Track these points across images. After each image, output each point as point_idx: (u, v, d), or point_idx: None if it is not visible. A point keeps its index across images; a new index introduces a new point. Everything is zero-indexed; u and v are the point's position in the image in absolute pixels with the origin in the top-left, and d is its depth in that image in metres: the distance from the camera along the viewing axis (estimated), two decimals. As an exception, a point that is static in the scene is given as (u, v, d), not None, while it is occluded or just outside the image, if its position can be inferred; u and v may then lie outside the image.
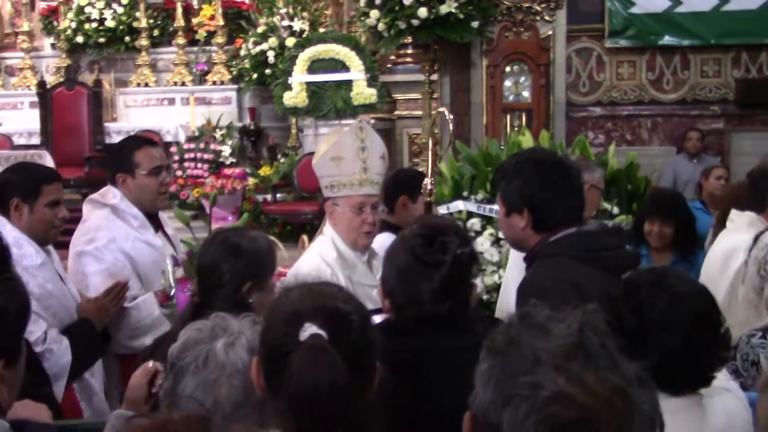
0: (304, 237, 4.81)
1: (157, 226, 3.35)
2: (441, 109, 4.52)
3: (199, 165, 9.10)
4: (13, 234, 2.81)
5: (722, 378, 1.82)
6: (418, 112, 7.77)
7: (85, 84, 9.65)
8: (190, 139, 9.30)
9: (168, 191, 3.38)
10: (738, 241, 3.01)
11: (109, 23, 9.97)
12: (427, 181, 3.78)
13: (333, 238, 2.89)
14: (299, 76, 8.07)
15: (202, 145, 9.19)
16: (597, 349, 1.01)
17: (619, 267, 2.19)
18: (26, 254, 2.83)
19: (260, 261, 2.29)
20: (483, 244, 4.09)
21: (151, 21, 10.10)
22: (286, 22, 9.12)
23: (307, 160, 7.97)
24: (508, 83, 6.55)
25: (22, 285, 1.44)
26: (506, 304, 2.92)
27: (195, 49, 10.14)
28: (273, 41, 9.02)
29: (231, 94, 9.85)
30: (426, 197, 3.79)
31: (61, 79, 9.75)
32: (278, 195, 8.68)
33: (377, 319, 1.96)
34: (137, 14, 9.97)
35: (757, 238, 2.59)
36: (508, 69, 6.52)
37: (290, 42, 8.73)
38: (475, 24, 6.25)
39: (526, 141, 4.58)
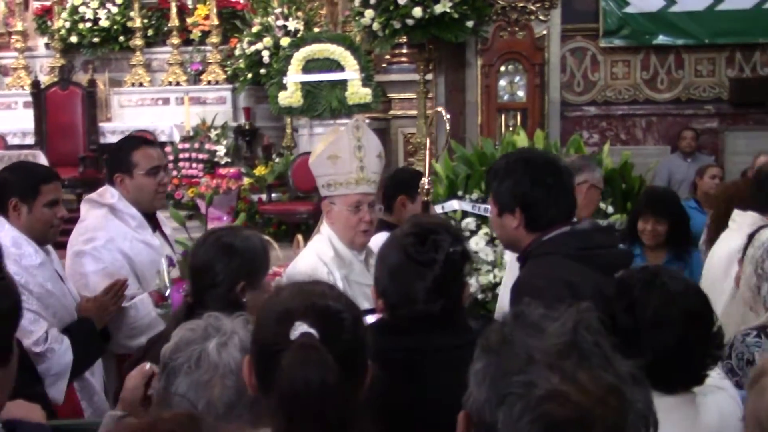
0: (299, 236, 4.82)
1: (155, 225, 3.36)
2: (439, 109, 4.52)
3: (194, 165, 9.09)
4: (12, 233, 2.82)
5: (715, 376, 1.82)
6: (413, 112, 7.77)
7: (79, 84, 9.63)
8: (184, 139, 9.29)
9: (166, 191, 3.37)
10: (741, 242, 3.00)
11: (104, 23, 9.95)
12: (425, 180, 3.78)
13: (330, 237, 2.89)
14: (294, 76, 8.07)
15: (196, 145, 9.18)
16: (591, 347, 1.01)
17: (612, 266, 2.20)
18: (25, 254, 2.83)
19: (254, 260, 2.29)
20: (478, 243, 4.10)
21: (146, 21, 10.08)
22: (280, 22, 9.12)
23: (302, 160, 7.97)
24: (502, 83, 6.56)
25: (14, 284, 1.43)
26: (504, 305, 2.92)
27: (189, 48, 10.13)
28: (268, 41, 9.01)
29: (226, 94, 9.84)
30: (423, 197, 3.79)
31: (55, 79, 9.73)
32: (273, 195, 8.68)
33: (371, 318, 1.96)
34: (131, 14, 9.96)
35: (751, 237, 2.59)
36: (502, 68, 6.53)
37: (285, 42, 8.72)
38: (469, 23, 6.26)
39: (521, 140, 4.59)
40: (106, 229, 3.18)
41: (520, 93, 6.54)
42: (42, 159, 7.59)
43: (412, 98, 7.89)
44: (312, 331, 1.36)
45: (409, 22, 6.18)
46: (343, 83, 8.04)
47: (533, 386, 0.97)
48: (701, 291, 1.83)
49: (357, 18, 6.63)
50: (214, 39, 9.80)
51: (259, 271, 2.30)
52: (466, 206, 4.23)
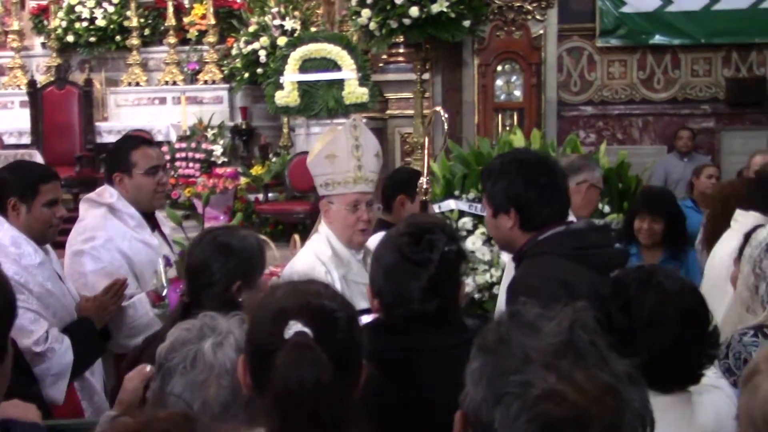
0: (296, 236, 4.81)
1: (154, 225, 3.36)
2: (437, 108, 4.52)
3: (191, 164, 9.08)
4: (11, 233, 2.81)
5: (711, 375, 1.82)
6: (410, 112, 7.76)
7: (75, 83, 9.61)
8: (181, 139, 9.28)
9: (165, 191, 3.38)
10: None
11: (100, 22, 9.93)
12: (423, 180, 3.78)
13: (328, 237, 2.89)
14: (291, 76, 8.06)
15: (193, 145, 9.17)
16: (587, 346, 1.01)
17: (607, 265, 2.20)
18: (25, 253, 2.83)
19: (250, 260, 2.29)
20: (474, 243, 4.10)
21: (142, 20, 10.07)
22: (277, 21, 9.11)
23: (298, 160, 7.97)
24: (499, 82, 6.55)
25: (8, 284, 1.42)
26: (503, 306, 2.92)
27: (186, 48, 10.11)
28: (264, 40, 9.00)
29: (222, 94, 9.82)
30: (422, 196, 3.79)
31: (52, 79, 9.71)
32: (270, 194, 8.68)
33: (367, 318, 1.95)
34: (128, 13, 9.94)
35: (748, 237, 2.59)
36: (499, 68, 6.53)
37: (282, 41, 8.72)
38: (466, 23, 6.25)
39: (518, 140, 4.59)
40: (105, 228, 3.18)
41: (517, 92, 6.54)
42: (38, 158, 7.59)
43: (409, 98, 7.88)
44: (306, 330, 1.35)
45: (406, 21, 6.17)
46: (339, 83, 8.03)
47: (530, 386, 0.98)
48: (697, 290, 1.84)
49: (354, 17, 6.62)
50: (211, 38, 9.79)
51: (255, 271, 2.30)
52: (463, 206, 4.24)
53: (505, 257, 3.09)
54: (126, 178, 3.22)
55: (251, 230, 2.81)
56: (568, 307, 1.05)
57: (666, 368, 1.68)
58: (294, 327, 1.35)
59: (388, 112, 8.96)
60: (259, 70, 8.98)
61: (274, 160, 9.13)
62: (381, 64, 9.10)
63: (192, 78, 10.01)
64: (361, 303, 2.17)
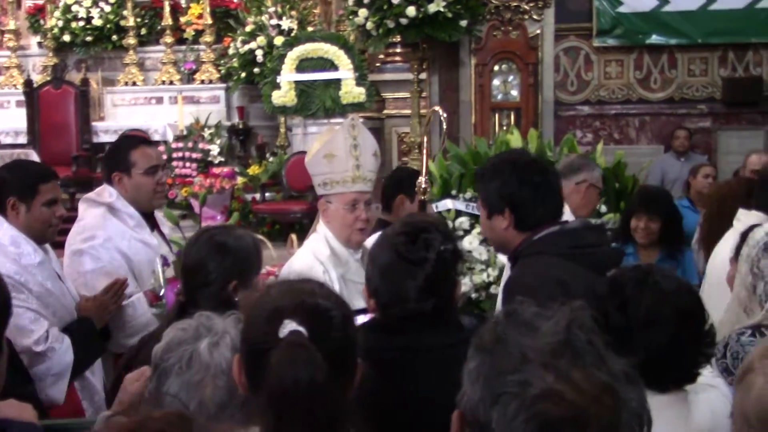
0: (293, 236, 4.80)
1: (153, 225, 3.36)
2: (436, 108, 4.52)
3: (188, 164, 9.07)
4: (11, 232, 2.81)
5: (708, 375, 1.83)
6: (407, 111, 7.77)
7: (72, 83, 9.60)
8: (178, 138, 9.27)
9: (164, 190, 3.37)
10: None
11: (96, 22, 9.91)
12: (422, 179, 3.78)
13: (326, 236, 2.89)
14: (288, 75, 8.05)
15: (190, 144, 9.16)
16: (584, 346, 1.01)
17: (602, 264, 2.21)
18: (24, 253, 2.83)
19: (246, 259, 2.28)
20: (471, 242, 4.09)
21: (139, 19, 10.05)
22: (274, 21, 9.10)
23: (295, 159, 7.96)
24: (496, 82, 6.56)
25: (4, 283, 1.42)
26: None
27: (183, 47, 10.10)
28: (261, 40, 9.00)
29: (219, 93, 9.81)
30: (420, 196, 3.79)
31: (48, 78, 9.70)
32: (267, 194, 8.67)
33: (364, 318, 1.95)
34: (125, 13, 9.93)
35: (744, 236, 2.59)
36: (496, 68, 6.53)
37: (279, 41, 8.71)
38: (463, 23, 6.25)
39: (515, 140, 4.59)
40: (104, 228, 3.17)
41: (514, 92, 6.55)
42: (35, 158, 7.59)
43: (406, 97, 7.88)
44: (301, 329, 1.35)
45: (403, 21, 6.17)
46: (336, 82, 8.03)
47: (528, 385, 0.97)
48: (693, 290, 1.84)
49: (351, 17, 6.62)
50: (208, 38, 9.78)
51: (252, 271, 2.30)
52: (460, 205, 4.23)
53: (504, 257, 3.08)
54: (125, 177, 3.22)
55: (248, 230, 2.80)
56: (565, 307, 1.05)
57: (663, 367, 1.68)
58: (288, 326, 1.35)
59: (385, 111, 8.96)
60: (256, 70, 8.98)
61: (271, 159, 9.13)
62: (378, 64, 9.10)
63: (189, 77, 9.99)
64: (359, 302, 2.16)
